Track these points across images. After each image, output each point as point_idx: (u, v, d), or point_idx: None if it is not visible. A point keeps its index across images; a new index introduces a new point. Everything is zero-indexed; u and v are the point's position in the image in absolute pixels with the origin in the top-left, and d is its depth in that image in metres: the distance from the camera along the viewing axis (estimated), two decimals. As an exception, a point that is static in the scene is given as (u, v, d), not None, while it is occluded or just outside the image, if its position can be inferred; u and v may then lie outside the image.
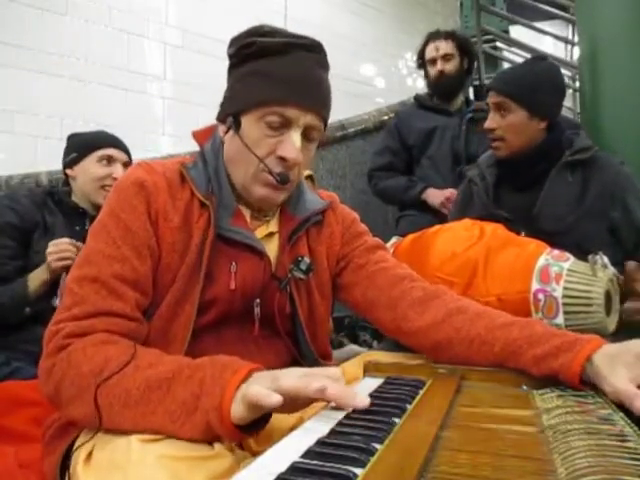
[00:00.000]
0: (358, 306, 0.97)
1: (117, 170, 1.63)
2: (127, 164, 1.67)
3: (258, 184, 0.85)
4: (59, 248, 1.44)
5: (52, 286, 1.48)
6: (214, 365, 0.64)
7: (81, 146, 1.67)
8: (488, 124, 1.56)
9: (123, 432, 0.64)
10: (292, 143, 0.82)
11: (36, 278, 1.47)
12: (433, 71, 2.40)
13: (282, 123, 0.82)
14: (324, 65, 0.88)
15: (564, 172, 1.52)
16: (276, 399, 0.55)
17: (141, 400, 0.64)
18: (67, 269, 1.42)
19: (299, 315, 0.91)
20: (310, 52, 0.85)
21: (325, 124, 0.88)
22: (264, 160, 0.83)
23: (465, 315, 0.85)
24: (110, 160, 1.65)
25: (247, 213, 0.90)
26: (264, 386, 0.58)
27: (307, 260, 0.90)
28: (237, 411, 0.58)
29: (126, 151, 1.71)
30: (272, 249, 0.91)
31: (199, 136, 0.94)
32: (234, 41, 0.88)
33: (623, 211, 1.49)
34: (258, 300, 0.88)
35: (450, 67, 2.38)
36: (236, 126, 0.85)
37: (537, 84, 1.52)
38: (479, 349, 0.80)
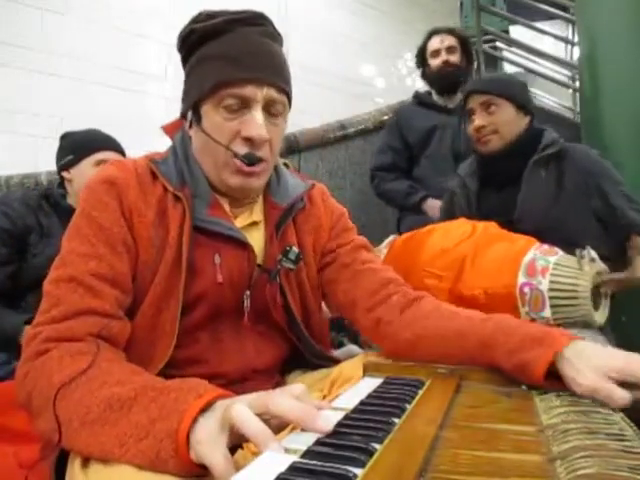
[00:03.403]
0: (339, 304, 0.95)
1: None
2: None
3: (229, 172, 0.83)
4: None
5: None
6: (181, 388, 0.58)
7: (77, 148, 1.66)
8: (478, 122, 1.57)
9: (76, 453, 0.60)
10: (254, 121, 0.79)
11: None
12: (436, 62, 2.35)
13: (240, 104, 0.80)
14: (272, 36, 0.84)
15: (537, 169, 1.53)
16: (276, 444, 0.47)
17: (98, 419, 0.58)
18: None
19: (291, 306, 0.90)
20: (254, 25, 0.83)
21: (288, 97, 0.85)
22: (229, 145, 0.81)
23: (442, 313, 0.83)
24: None
25: (225, 202, 0.88)
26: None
27: (295, 250, 0.89)
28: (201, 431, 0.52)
29: (122, 152, 1.70)
30: (257, 239, 0.89)
31: (169, 130, 0.93)
32: (178, 37, 0.86)
33: (601, 198, 1.48)
34: (248, 292, 0.86)
35: (454, 58, 2.34)
36: (196, 118, 0.83)
37: (513, 83, 1.62)
38: (454, 344, 0.75)
